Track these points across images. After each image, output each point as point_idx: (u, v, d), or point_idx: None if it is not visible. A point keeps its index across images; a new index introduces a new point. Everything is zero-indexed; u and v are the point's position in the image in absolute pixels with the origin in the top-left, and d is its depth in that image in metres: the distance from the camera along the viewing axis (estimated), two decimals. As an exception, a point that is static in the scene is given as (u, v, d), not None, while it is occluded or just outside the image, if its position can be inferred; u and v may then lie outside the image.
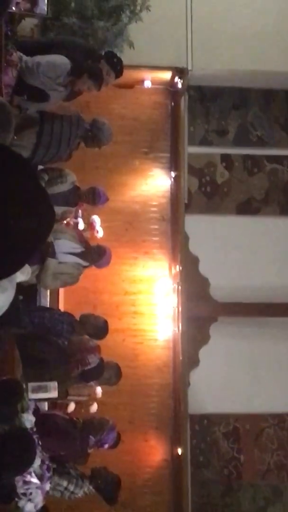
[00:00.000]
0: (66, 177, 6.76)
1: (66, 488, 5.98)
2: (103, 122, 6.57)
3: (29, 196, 2.10)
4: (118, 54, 6.80)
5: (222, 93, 9.63)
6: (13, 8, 6.00)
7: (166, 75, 9.01)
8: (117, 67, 6.37)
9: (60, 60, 5.96)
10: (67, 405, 7.37)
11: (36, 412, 5.82)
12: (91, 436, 6.15)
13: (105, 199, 7.30)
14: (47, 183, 6.61)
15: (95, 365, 6.10)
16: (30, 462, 4.68)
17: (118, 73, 6.41)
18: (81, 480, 6.06)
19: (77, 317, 6.60)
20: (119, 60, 6.43)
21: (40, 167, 6.77)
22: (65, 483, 5.96)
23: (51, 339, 6.01)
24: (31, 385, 5.67)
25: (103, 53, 6.60)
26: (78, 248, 6.77)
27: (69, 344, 6.10)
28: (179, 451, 8.53)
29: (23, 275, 4.22)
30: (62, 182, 6.72)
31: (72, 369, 6.10)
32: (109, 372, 6.57)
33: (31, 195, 2.11)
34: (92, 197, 7.18)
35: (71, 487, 5.98)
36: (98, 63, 6.32)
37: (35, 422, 5.60)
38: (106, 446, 6.31)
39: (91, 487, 6.10)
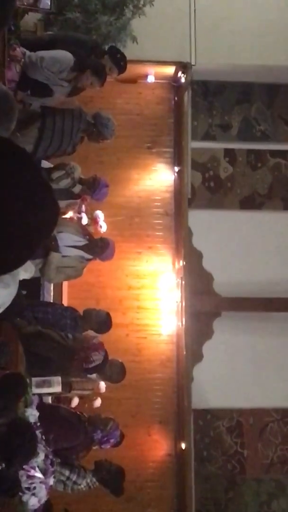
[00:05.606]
0: (72, 174, 6.74)
1: (68, 478, 5.96)
2: (108, 118, 6.54)
3: (32, 190, 2.09)
4: (122, 49, 6.81)
5: (225, 87, 9.62)
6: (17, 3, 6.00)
7: (170, 70, 8.99)
8: (121, 62, 6.37)
9: (64, 55, 5.96)
10: (70, 400, 7.38)
11: (40, 404, 5.81)
12: (98, 430, 6.15)
13: (105, 190, 7.06)
14: (54, 181, 6.59)
15: (99, 363, 6.08)
16: (33, 452, 4.68)
17: (122, 69, 6.41)
18: (83, 471, 6.07)
19: (81, 312, 6.61)
20: (123, 56, 6.42)
21: (44, 162, 6.77)
22: (67, 473, 5.95)
23: (54, 338, 5.99)
24: (35, 379, 5.67)
25: (106, 49, 6.59)
26: (82, 241, 6.76)
27: (73, 342, 6.09)
28: (183, 445, 8.54)
29: (27, 273, 4.22)
30: (67, 178, 6.71)
31: (76, 367, 6.09)
32: (111, 369, 6.55)
33: (35, 189, 2.10)
34: (92, 185, 7.01)
35: (73, 477, 5.97)
36: (102, 58, 6.32)
37: (40, 414, 5.59)
38: (112, 441, 6.29)
39: (94, 480, 6.09)
